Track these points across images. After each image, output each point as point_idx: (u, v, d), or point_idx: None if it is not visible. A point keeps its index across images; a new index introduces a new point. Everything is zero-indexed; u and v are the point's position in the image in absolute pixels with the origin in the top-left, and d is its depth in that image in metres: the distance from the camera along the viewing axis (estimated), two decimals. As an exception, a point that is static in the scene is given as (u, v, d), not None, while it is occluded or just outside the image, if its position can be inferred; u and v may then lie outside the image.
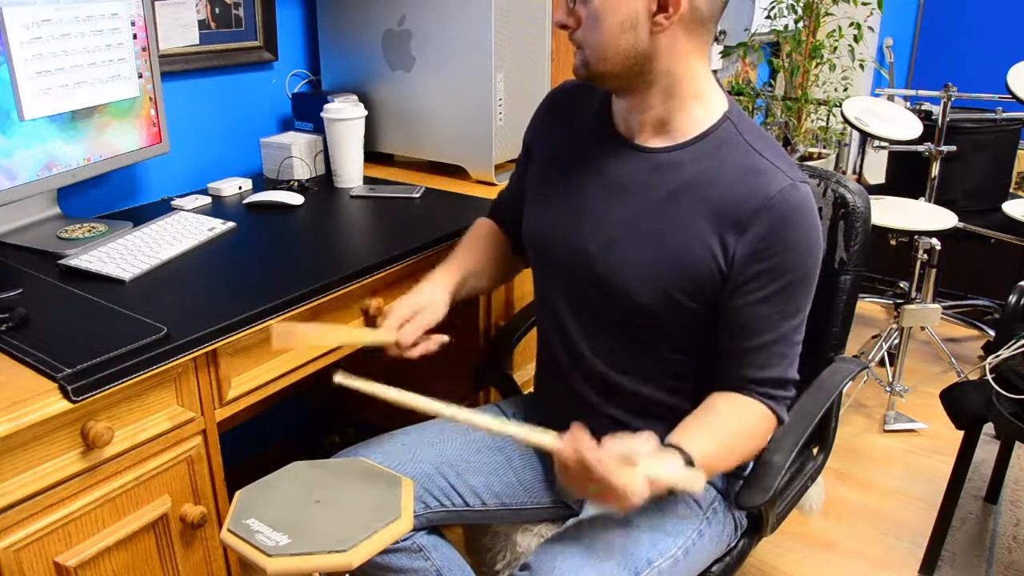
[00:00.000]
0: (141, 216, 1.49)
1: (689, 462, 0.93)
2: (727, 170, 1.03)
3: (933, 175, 2.57)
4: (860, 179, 3.49)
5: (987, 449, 2.13)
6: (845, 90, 3.57)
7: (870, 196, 1.34)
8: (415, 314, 1.14)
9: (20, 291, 1.17)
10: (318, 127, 1.78)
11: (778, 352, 1.04)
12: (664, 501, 1.11)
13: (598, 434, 0.90)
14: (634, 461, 0.88)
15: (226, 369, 1.14)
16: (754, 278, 1.01)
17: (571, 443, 0.89)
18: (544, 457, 1.27)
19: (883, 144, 2.51)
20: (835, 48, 3.40)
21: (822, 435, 1.34)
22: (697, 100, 1.05)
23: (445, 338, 1.15)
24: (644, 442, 0.90)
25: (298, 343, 1.18)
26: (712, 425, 1.03)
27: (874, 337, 2.78)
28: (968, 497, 2.05)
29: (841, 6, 3.32)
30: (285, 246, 1.43)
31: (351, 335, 1.22)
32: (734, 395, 1.05)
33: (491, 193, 1.71)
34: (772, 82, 3.90)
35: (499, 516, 1.26)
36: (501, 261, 1.33)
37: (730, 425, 1.04)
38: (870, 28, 3.42)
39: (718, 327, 1.06)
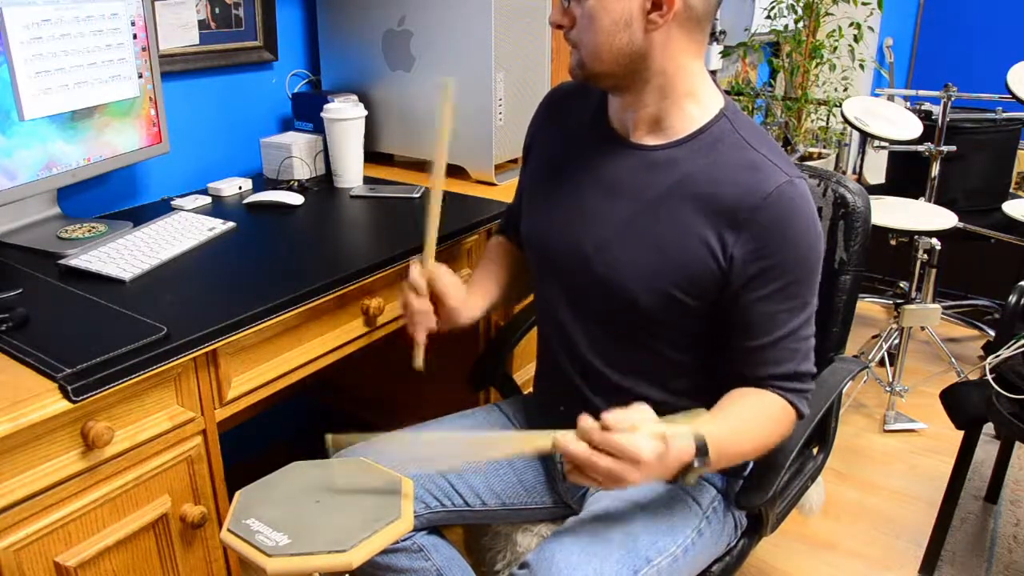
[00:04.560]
0: (141, 216, 1.49)
1: (700, 439, 0.93)
2: (723, 167, 1.03)
3: (933, 175, 2.57)
4: (860, 179, 3.49)
5: (987, 449, 2.13)
6: (845, 90, 3.57)
7: (870, 196, 1.34)
8: (447, 295, 1.16)
9: (20, 291, 1.17)
10: (318, 127, 1.78)
11: (789, 347, 1.04)
12: (664, 500, 1.12)
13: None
14: (637, 428, 0.89)
15: (226, 369, 1.14)
16: (757, 276, 1.01)
17: (577, 437, 0.89)
18: (544, 457, 1.27)
19: (883, 144, 2.51)
20: (835, 48, 3.40)
21: (822, 435, 1.34)
22: (691, 98, 1.05)
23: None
24: (641, 410, 0.91)
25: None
26: (723, 410, 1.03)
27: (874, 337, 2.78)
28: (968, 497, 2.05)
29: (841, 6, 3.32)
30: (285, 246, 1.43)
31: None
32: (749, 389, 1.05)
33: (491, 193, 1.71)
34: (772, 82, 3.90)
35: (499, 516, 1.26)
36: (520, 278, 1.32)
37: (743, 411, 1.03)
38: (870, 28, 3.42)
39: (726, 327, 1.06)
